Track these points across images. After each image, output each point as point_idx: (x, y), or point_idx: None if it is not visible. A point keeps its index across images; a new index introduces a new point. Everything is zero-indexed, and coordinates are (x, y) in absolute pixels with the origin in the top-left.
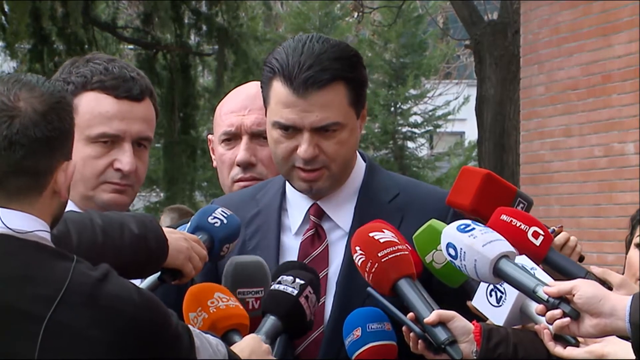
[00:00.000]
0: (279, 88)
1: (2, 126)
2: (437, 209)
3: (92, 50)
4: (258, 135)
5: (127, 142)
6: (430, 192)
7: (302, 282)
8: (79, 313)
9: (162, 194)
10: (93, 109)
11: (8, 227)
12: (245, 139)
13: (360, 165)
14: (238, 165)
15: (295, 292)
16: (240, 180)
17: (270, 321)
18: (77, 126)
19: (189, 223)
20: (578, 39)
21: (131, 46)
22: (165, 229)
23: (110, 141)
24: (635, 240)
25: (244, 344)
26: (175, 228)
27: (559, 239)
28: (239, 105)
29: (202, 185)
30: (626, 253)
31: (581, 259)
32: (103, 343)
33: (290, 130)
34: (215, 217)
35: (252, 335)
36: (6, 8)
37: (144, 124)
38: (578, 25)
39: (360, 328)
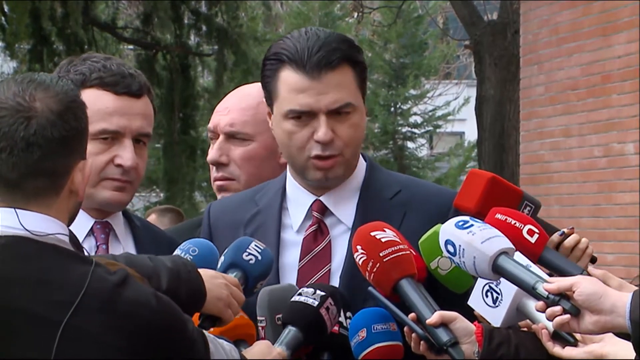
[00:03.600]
0: (290, 76)
1: (20, 127)
2: (439, 205)
3: (91, 51)
4: (231, 136)
5: (128, 138)
6: (432, 188)
7: (323, 293)
8: (97, 318)
9: (161, 194)
10: (93, 105)
11: (27, 229)
12: (220, 138)
13: (361, 164)
14: (211, 164)
15: (316, 303)
16: (215, 179)
17: (290, 332)
18: None
19: (223, 257)
20: (578, 39)
21: (131, 46)
22: (207, 274)
23: (110, 137)
24: None
25: (255, 350)
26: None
27: (569, 240)
28: (223, 106)
29: (202, 185)
30: None
31: (593, 260)
32: (120, 348)
33: (303, 117)
34: (249, 254)
35: (263, 341)
36: (6, 8)
37: (144, 120)
38: (578, 26)
39: (365, 329)
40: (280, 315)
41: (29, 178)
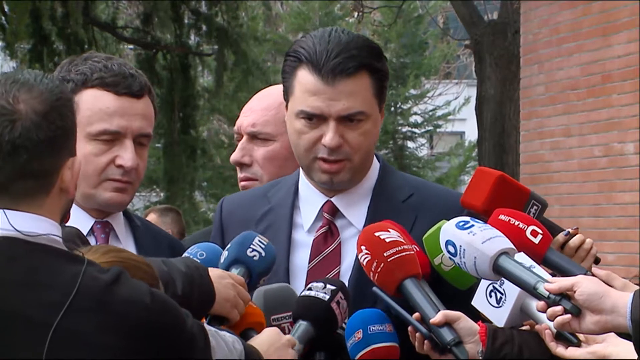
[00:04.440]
0: (305, 76)
1: (4, 131)
2: (451, 210)
3: (91, 50)
4: (254, 136)
5: (128, 139)
6: (444, 193)
7: (334, 287)
8: (89, 319)
9: (162, 194)
10: (93, 105)
11: (17, 230)
12: (243, 139)
13: (375, 165)
14: (234, 165)
15: (327, 297)
16: (239, 180)
17: (301, 326)
18: (77, 123)
19: (226, 252)
20: (578, 39)
21: (131, 46)
22: (215, 274)
23: (111, 138)
24: None
25: (262, 337)
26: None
27: (574, 241)
28: (247, 107)
29: (202, 185)
30: None
31: (597, 260)
32: (114, 348)
33: (314, 119)
34: (253, 250)
35: (271, 328)
36: (6, 8)
37: (144, 120)
38: (578, 25)
39: (361, 330)
40: (276, 317)
41: (18, 181)
